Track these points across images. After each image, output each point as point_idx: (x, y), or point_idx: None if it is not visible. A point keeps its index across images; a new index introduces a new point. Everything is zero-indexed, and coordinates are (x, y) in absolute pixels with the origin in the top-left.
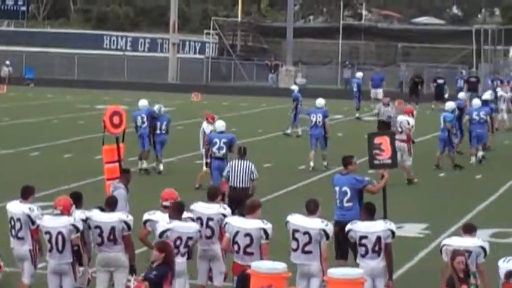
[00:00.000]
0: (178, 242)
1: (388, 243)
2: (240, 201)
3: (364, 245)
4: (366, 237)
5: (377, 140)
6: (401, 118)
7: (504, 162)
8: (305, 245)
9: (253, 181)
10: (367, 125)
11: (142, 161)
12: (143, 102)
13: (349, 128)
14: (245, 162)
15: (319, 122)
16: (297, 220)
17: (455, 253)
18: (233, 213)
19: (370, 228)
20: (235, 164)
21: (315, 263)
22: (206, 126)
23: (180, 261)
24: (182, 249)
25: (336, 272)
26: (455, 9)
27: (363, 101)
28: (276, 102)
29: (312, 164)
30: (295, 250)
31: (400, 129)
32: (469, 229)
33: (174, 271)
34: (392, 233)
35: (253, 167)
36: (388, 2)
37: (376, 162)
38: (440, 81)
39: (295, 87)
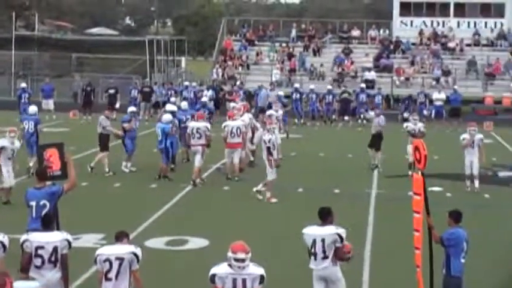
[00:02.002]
0: None
1: (64, 254)
2: None
3: (41, 256)
4: (42, 247)
5: (47, 153)
6: (199, 124)
7: (181, 172)
8: None
9: None
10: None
11: None
12: None
13: None
14: None
15: (32, 128)
16: None
17: None
18: None
19: (47, 238)
20: None
21: None
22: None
23: None
24: None
25: (16, 286)
26: (128, 20)
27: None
28: None
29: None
30: None
31: (198, 135)
32: (120, 237)
33: None
34: (69, 243)
35: None
36: (61, 12)
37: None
38: (111, 91)
39: None
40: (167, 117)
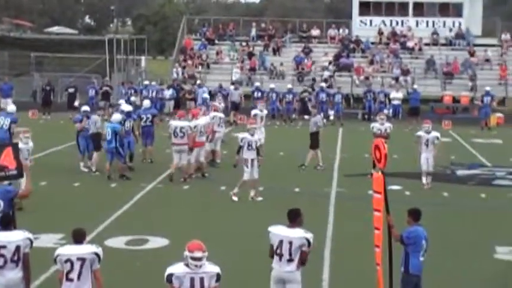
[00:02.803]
0: None
1: (26, 253)
2: None
3: (3, 256)
4: (4, 247)
5: (1, 153)
6: (182, 123)
7: (141, 171)
8: None
9: None
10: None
11: None
12: None
13: None
14: None
15: (6, 125)
16: None
17: None
18: None
19: (9, 237)
20: None
21: None
22: None
23: None
24: None
25: None
26: (87, 19)
27: None
28: None
29: None
30: None
31: (182, 134)
32: (80, 238)
33: None
34: (31, 241)
35: None
36: (20, 11)
37: (1, 174)
38: (71, 90)
39: None
40: (117, 117)
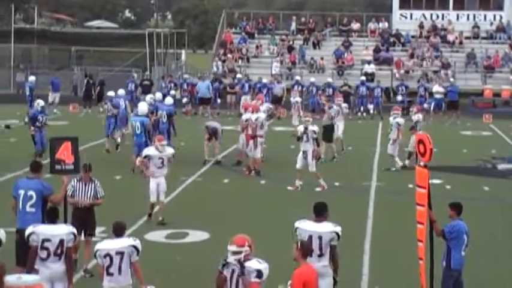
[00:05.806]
0: None
1: (69, 247)
2: None
3: (47, 248)
4: (49, 240)
5: (60, 146)
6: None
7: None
8: None
9: None
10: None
11: None
12: None
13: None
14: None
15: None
16: None
17: None
18: None
19: (53, 231)
20: None
21: None
22: None
23: None
24: None
25: (10, 279)
26: (128, 13)
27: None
28: None
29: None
30: None
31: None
32: (120, 232)
33: None
34: (75, 236)
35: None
36: (60, 5)
37: (58, 167)
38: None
39: None
40: (144, 108)
